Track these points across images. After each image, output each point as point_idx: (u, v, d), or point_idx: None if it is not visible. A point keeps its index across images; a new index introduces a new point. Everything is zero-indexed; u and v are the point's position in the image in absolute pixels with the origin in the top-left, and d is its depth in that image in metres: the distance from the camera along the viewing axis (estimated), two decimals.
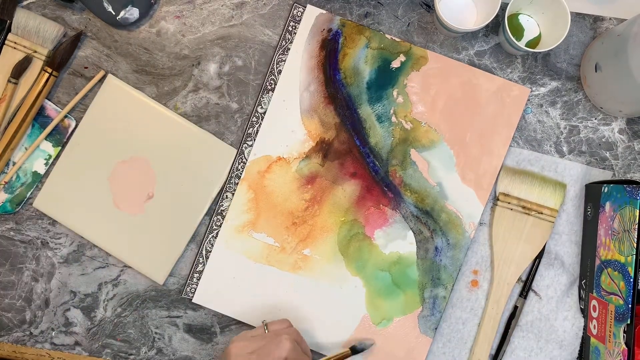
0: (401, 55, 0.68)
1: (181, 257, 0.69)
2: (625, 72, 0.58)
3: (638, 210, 0.57)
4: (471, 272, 0.68)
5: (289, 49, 0.69)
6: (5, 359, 0.69)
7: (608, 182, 0.63)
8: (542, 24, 0.68)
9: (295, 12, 0.69)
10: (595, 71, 0.63)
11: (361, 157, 0.68)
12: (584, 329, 0.66)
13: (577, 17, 0.69)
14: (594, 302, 0.64)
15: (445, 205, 0.67)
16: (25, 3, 0.70)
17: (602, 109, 0.67)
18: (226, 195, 0.69)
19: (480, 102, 0.68)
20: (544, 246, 0.67)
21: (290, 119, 0.68)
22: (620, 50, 0.59)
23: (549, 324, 0.67)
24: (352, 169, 0.68)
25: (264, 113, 0.69)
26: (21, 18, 0.68)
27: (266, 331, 0.59)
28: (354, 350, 0.65)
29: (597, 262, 0.63)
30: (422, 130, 0.68)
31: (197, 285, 0.68)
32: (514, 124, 0.67)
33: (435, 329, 0.67)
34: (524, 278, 0.68)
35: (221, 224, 0.68)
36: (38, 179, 0.69)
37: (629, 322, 0.57)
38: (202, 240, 0.69)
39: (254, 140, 0.69)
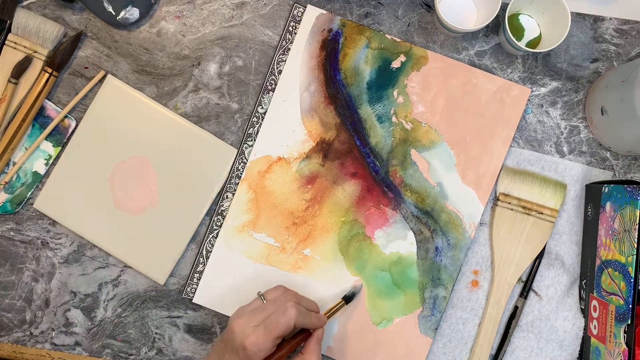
0: (401, 55, 0.68)
1: (181, 257, 0.69)
2: (633, 117, 0.58)
3: (638, 211, 0.57)
4: (471, 272, 0.68)
5: (289, 49, 0.69)
6: (6, 359, 0.69)
7: (608, 182, 0.63)
8: (542, 24, 0.68)
9: (295, 12, 0.69)
10: (602, 114, 0.63)
11: (361, 157, 0.68)
12: (584, 329, 0.66)
13: (577, 17, 0.69)
14: (594, 303, 0.64)
15: (445, 205, 0.67)
16: (25, 3, 0.70)
17: (610, 149, 0.67)
18: (226, 195, 0.69)
19: (481, 102, 0.68)
20: (544, 246, 0.67)
21: (291, 119, 0.68)
22: (626, 96, 0.58)
23: (550, 324, 0.67)
24: (352, 169, 0.68)
25: (264, 113, 0.69)
26: (21, 18, 0.68)
27: (264, 301, 0.58)
28: (347, 299, 0.65)
29: (598, 262, 0.63)
30: (423, 131, 0.68)
31: (197, 285, 0.68)
32: (514, 124, 0.67)
33: (436, 329, 0.67)
34: (524, 278, 0.68)
35: (221, 224, 0.68)
36: (38, 179, 0.69)
37: (629, 322, 0.57)
38: (202, 240, 0.69)
39: (255, 140, 0.69)
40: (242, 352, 0.54)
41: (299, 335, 0.59)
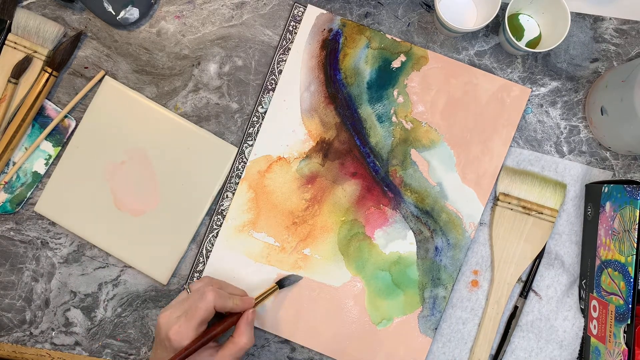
0: (401, 55, 0.68)
1: (182, 257, 0.69)
2: (633, 117, 0.58)
3: (638, 211, 0.57)
4: (471, 272, 0.68)
5: (289, 48, 0.69)
6: (5, 359, 0.69)
7: (608, 182, 0.63)
8: (542, 24, 0.68)
9: (295, 12, 0.69)
10: (602, 114, 0.63)
11: (361, 157, 0.68)
12: (584, 329, 0.66)
13: (577, 17, 0.69)
14: (594, 302, 0.64)
15: (445, 205, 0.67)
16: (25, 3, 0.70)
17: (609, 149, 0.67)
18: (227, 195, 0.69)
19: (481, 102, 0.68)
20: (544, 246, 0.67)
21: (291, 118, 0.69)
22: (626, 96, 0.58)
23: (549, 324, 0.67)
24: (352, 168, 0.68)
25: (265, 113, 0.69)
26: (21, 18, 0.68)
27: (189, 292, 0.60)
28: (281, 284, 0.66)
29: (598, 262, 0.63)
30: (423, 130, 0.68)
31: None
32: (515, 124, 0.67)
33: (435, 329, 0.67)
34: (524, 278, 0.68)
35: (221, 223, 0.68)
36: (38, 179, 0.69)
37: (629, 322, 0.57)
38: (202, 240, 0.69)
39: (255, 140, 0.69)
40: (168, 343, 0.56)
41: (227, 320, 0.60)
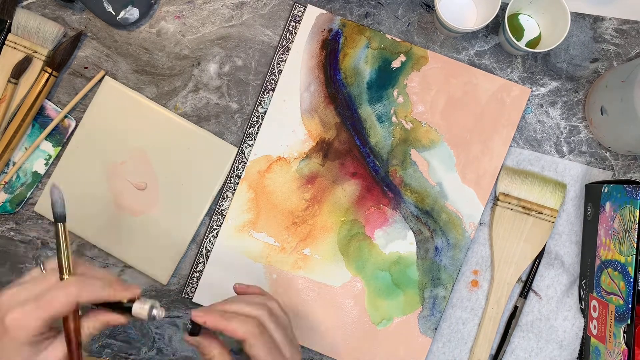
0: (401, 55, 0.68)
1: (182, 257, 0.69)
2: (633, 117, 0.58)
3: (638, 211, 0.57)
4: (471, 272, 0.68)
5: (289, 48, 0.69)
6: None
7: (608, 182, 0.63)
8: (542, 24, 0.68)
9: (295, 12, 0.69)
10: (602, 114, 0.63)
11: (361, 157, 0.68)
12: (584, 329, 0.66)
13: (577, 17, 0.69)
14: (594, 302, 0.64)
15: (445, 205, 0.67)
16: (25, 3, 0.70)
17: (609, 149, 0.67)
18: (226, 195, 0.69)
19: (481, 102, 0.68)
20: (544, 246, 0.67)
21: (291, 118, 0.68)
22: (625, 96, 0.58)
23: (549, 324, 0.67)
24: (352, 168, 0.68)
25: (265, 113, 0.69)
26: (21, 18, 0.68)
27: (43, 271, 0.46)
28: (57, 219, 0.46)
29: (597, 262, 0.63)
30: (423, 130, 0.68)
31: (197, 284, 0.68)
32: (514, 124, 0.67)
33: (435, 329, 0.67)
34: (524, 278, 0.68)
35: (221, 223, 0.68)
36: (38, 179, 0.69)
37: (629, 322, 0.57)
38: (202, 240, 0.69)
39: (254, 140, 0.69)
40: (1, 328, 0.42)
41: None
